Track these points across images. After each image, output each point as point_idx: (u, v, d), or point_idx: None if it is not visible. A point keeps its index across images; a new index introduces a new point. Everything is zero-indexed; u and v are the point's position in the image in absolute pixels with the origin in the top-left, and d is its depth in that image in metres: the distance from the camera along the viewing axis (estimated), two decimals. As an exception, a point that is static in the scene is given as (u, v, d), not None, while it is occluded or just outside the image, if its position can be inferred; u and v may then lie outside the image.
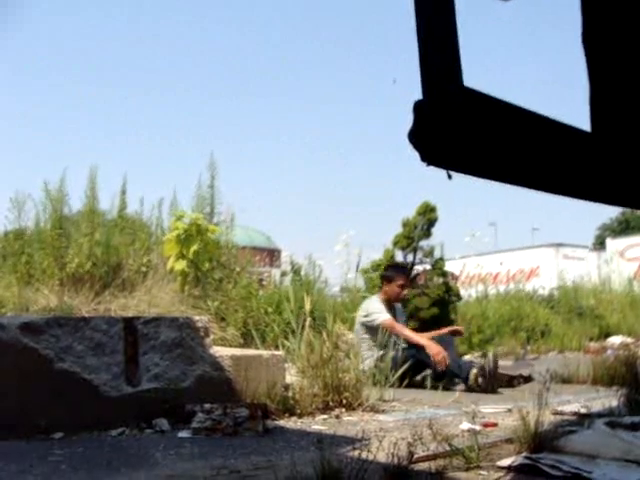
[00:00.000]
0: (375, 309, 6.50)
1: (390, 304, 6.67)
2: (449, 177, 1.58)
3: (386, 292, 6.71)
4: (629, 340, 12.04)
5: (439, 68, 1.58)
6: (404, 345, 6.13)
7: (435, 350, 5.97)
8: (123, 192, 8.64)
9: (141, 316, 4.27)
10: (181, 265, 7.48)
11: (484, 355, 8.60)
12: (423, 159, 1.54)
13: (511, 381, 5.87)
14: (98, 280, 7.35)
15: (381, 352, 5.73)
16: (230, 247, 9.03)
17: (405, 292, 6.80)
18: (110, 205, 8.63)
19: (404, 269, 7.47)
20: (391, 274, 6.84)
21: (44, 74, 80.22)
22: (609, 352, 8.44)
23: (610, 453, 2.93)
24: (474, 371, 5.86)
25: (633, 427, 3.49)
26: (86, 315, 5.91)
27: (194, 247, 7.51)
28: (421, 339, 6.25)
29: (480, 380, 5.79)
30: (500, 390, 5.78)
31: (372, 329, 6.23)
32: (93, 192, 8.22)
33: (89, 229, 7.77)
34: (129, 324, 4.02)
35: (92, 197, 8.22)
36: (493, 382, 5.79)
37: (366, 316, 6.48)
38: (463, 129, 1.60)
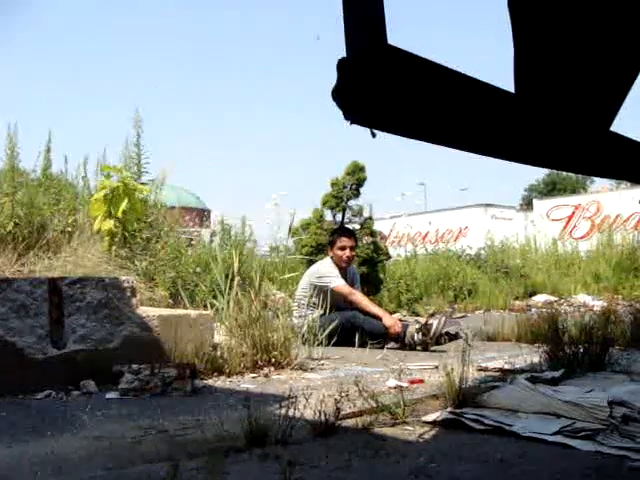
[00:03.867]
0: (330, 273, 6.49)
1: (342, 268, 6.63)
2: (373, 135, 1.59)
3: (332, 258, 6.68)
4: (552, 298, 12.39)
5: (363, 25, 1.57)
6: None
7: (391, 322, 6.12)
8: (47, 150, 8.41)
9: (66, 277, 4.20)
10: (108, 225, 7.35)
11: (433, 315, 8.75)
12: (346, 117, 1.53)
13: (439, 339, 5.97)
14: (21, 241, 7.17)
15: (320, 313, 5.78)
16: (159, 207, 8.91)
17: (348, 253, 6.63)
18: (34, 164, 8.41)
19: (343, 231, 7.24)
20: (331, 239, 6.81)
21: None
22: (533, 310, 8.65)
23: (531, 407, 3.02)
24: (412, 328, 5.96)
25: (553, 382, 3.60)
26: (9, 276, 5.77)
27: (122, 206, 7.39)
28: (378, 310, 6.37)
29: (417, 337, 5.89)
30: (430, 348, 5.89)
31: (322, 291, 6.25)
32: (13, 150, 7.97)
33: (10, 189, 7.55)
34: (54, 285, 3.95)
35: (12, 155, 7.97)
36: (431, 341, 5.89)
37: (319, 278, 6.47)
38: (386, 87, 1.60)
